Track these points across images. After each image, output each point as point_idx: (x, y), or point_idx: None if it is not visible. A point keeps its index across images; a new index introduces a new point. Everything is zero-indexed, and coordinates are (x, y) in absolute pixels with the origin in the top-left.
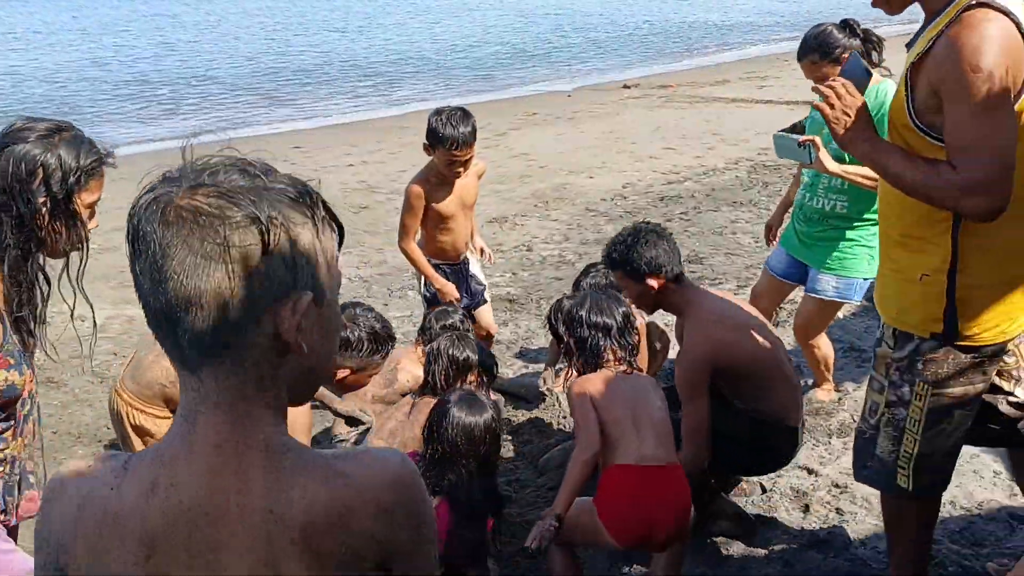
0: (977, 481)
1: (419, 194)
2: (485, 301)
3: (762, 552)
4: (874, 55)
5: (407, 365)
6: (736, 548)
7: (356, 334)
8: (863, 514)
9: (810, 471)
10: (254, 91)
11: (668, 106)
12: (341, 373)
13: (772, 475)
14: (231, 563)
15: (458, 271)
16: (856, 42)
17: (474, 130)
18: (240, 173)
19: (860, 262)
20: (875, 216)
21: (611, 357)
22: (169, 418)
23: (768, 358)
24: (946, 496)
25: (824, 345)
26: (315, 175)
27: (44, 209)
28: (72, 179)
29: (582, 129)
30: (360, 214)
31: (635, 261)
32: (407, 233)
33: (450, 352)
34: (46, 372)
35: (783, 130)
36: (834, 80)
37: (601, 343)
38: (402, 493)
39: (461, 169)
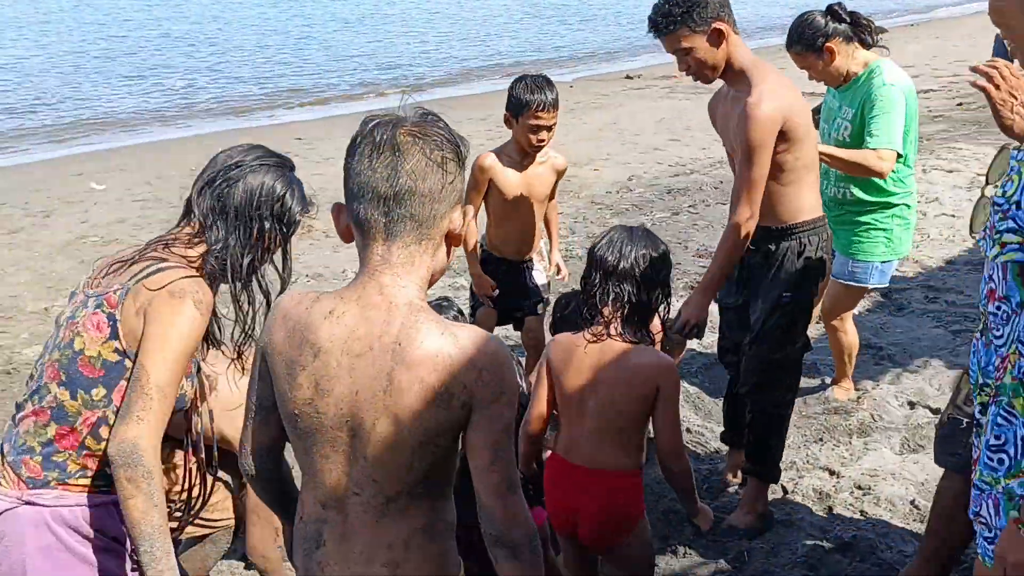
0: None
1: (483, 167)
2: (538, 313)
3: (786, 555)
4: (867, 37)
5: None
6: (758, 551)
7: None
8: (888, 516)
9: (832, 472)
10: (257, 82)
11: (672, 97)
12: None
13: (793, 476)
14: (365, 367)
15: (517, 269)
16: (843, 27)
17: (558, 97)
18: (435, 119)
19: (876, 246)
20: (885, 199)
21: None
22: None
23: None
24: None
25: (850, 332)
26: (317, 167)
27: (274, 234)
28: (296, 217)
29: (585, 120)
30: None
31: (702, 1)
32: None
33: None
34: None
35: None
36: (996, 60)
37: (596, 290)
38: (492, 362)
39: (546, 135)
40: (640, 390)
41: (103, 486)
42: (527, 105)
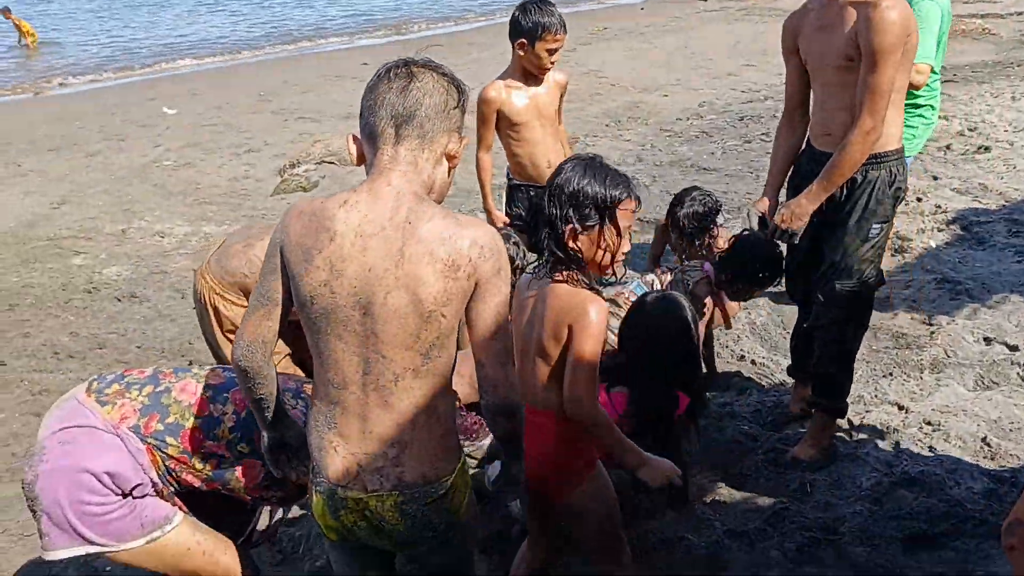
0: None
1: (488, 99)
2: None
3: (849, 488)
4: None
5: None
6: (822, 483)
7: None
8: (958, 453)
9: (900, 407)
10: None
11: (747, 19)
12: None
13: (860, 410)
14: (377, 245)
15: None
16: None
17: (562, 16)
18: (441, 65)
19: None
20: (913, 100)
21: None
22: (243, 306)
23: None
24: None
25: None
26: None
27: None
28: None
29: (655, 45)
30: None
31: None
32: (481, 143)
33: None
34: (129, 288)
35: None
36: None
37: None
38: (493, 243)
39: (557, 57)
40: (554, 330)
41: None
42: (546, 29)
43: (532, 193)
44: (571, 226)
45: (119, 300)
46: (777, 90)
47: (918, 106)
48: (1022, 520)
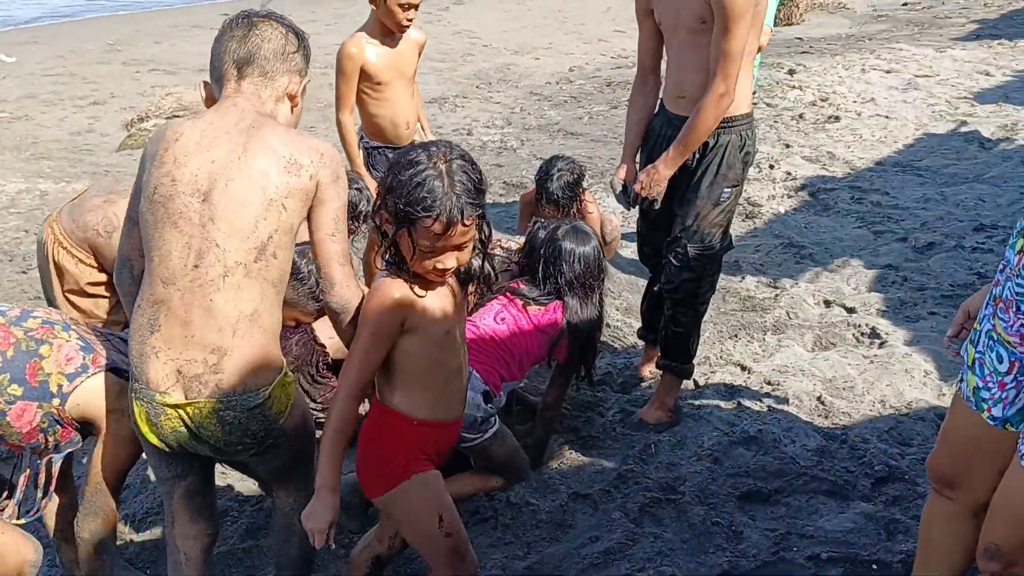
0: (907, 380)
1: (350, 54)
2: None
3: (691, 448)
4: None
5: None
6: (665, 443)
7: (307, 267)
8: (794, 411)
9: (744, 367)
10: None
11: None
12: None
13: (706, 371)
14: (222, 143)
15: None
16: None
17: None
18: (282, 15)
19: None
20: None
21: None
22: (90, 266)
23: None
24: (876, 395)
25: None
26: None
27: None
28: None
29: (529, 7)
30: None
31: None
32: (342, 103)
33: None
34: None
35: None
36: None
37: None
38: (332, 153)
39: (413, 13)
40: None
41: None
42: None
43: (390, 155)
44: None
45: None
46: None
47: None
48: (1001, 546)
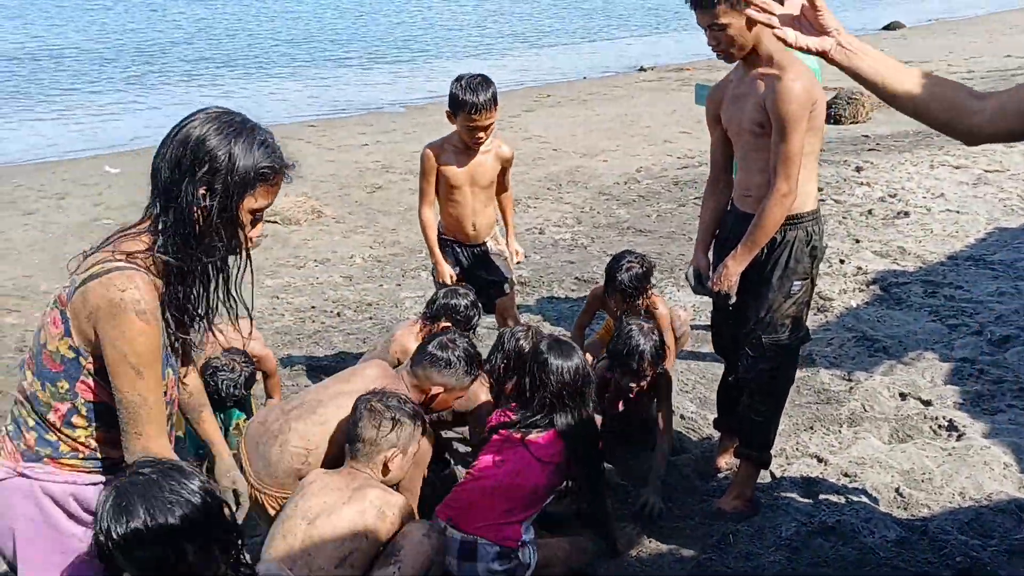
0: (987, 472)
1: (428, 156)
2: (505, 294)
3: (770, 538)
4: None
5: (400, 337)
6: (744, 533)
7: (454, 355)
8: (873, 503)
9: (820, 459)
10: (262, 67)
11: (684, 89)
12: (435, 390)
13: (782, 463)
14: None
15: (473, 254)
16: None
17: (494, 96)
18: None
19: None
20: None
21: None
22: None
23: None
24: (956, 487)
25: None
26: (330, 154)
27: (204, 203)
28: (237, 178)
29: (597, 112)
30: (375, 194)
31: None
32: (422, 198)
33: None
34: None
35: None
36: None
37: None
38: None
39: (482, 135)
40: None
41: (92, 468)
42: (461, 106)
43: (458, 249)
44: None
45: None
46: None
47: None
48: None
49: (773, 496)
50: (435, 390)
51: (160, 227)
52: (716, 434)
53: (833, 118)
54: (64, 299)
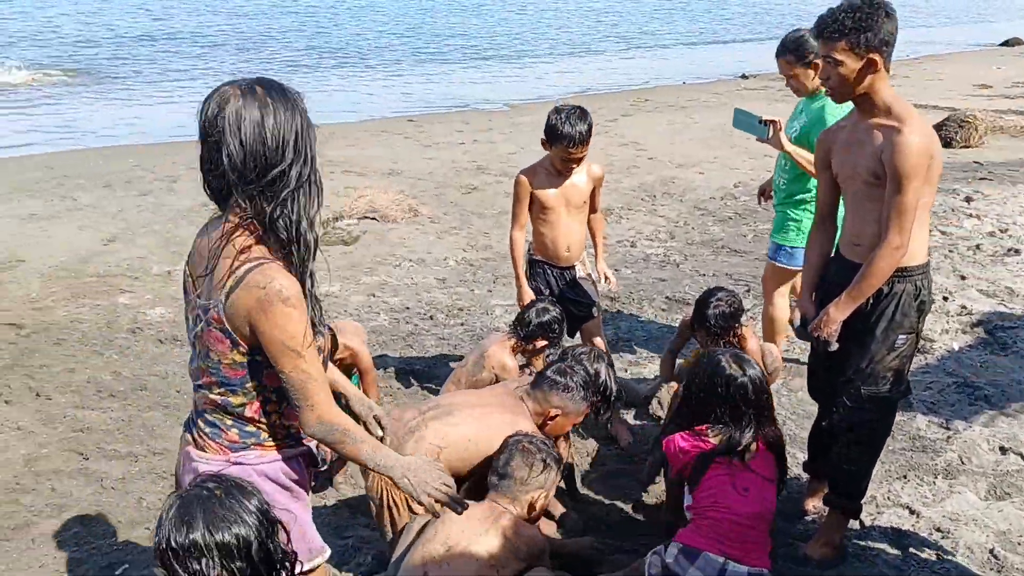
0: None
1: (523, 182)
2: (593, 317)
3: None
4: None
5: (496, 353)
6: None
7: (573, 380)
8: (964, 562)
9: (912, 511)
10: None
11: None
12: (553, 412)
13: (872, 511)
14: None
15: (563, 276)
16: None
17: (590, 128)
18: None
19: (788, 232)
20: (800, 196)
21: None
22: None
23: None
24: None
25: (778, 308)
26: (427, 151)
27: (292, 183)
28: (311, 142)
29: (695, 119)
30: (470, 195)
31: (874, 28)
32: (514, 221)
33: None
34: (171, 330)
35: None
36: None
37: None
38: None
39: (575, 166)
40: None
41: (291, 443)
42: (559, 139)
43: (550, 271)
44: None
45: (161, 342)
46: None
47: (805, 201)
48: None
49: (861, 546)
50: (553, 412)
51: (254, 214)
52: (804, 475)
53: (943, 141)
54: (218, 317)
